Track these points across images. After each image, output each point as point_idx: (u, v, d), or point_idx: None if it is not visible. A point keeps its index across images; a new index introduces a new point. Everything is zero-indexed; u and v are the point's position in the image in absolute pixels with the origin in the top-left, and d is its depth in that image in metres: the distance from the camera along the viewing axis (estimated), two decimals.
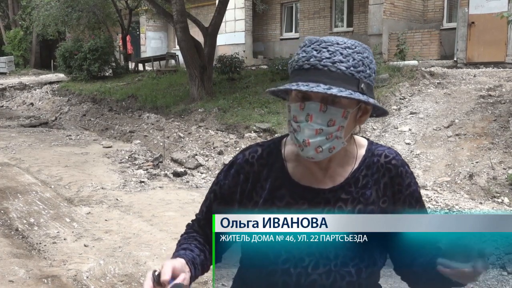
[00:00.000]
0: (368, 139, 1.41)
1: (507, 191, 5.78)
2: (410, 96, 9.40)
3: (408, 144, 7.60)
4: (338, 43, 1.21)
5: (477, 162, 6.51)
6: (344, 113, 1.21)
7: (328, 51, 1.19)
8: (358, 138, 1.40)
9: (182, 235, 1.47)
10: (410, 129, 8.03)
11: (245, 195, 1.36)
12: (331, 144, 1.22)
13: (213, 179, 5.83)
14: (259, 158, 1.37)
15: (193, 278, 1.29)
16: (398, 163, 1.34)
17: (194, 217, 1.51)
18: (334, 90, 1.16)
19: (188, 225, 1.50)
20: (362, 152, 1.36)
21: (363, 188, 1.31)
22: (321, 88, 1.16)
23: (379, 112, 1.34)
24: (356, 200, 1.30)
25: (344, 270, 1.25)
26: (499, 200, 5.65)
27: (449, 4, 15.41)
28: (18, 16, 25.56)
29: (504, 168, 6.15)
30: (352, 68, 1.19)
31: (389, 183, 1.32)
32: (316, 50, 1.20)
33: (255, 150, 1.39)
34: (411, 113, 8.60)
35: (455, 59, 12.59)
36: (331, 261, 1.26)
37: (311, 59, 1.20)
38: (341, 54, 1.19)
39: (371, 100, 1.21)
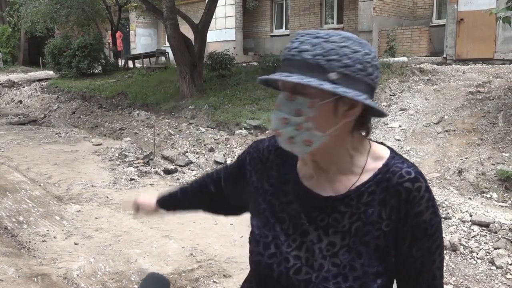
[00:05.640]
0: (392, 151, 1.27)
1: (495, 186, 5.83)
2: (400, 93, 9.44)
3: (398, 140, 7.64)
4: (309, 34, 1.15)
5: (466, 158, 6.56)
6: (311, 104, 1.12)
7: (299, 41, 1.15)
8: (378, 148, 1.26)
9: (199, 176, 1.77)
10: (400, 126, 8.07)
11: (258, 176, 1.38)
12: (303, 136, 1.14)
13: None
14: (278, 148, 1.32)
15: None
16: (413, 187, 1.17)
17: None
18: (293, 78, 1.10)
19: (216, 169, 1.68)
20: (377, 165, 1.22)
21: (366, 205, 1.20)
22: (282, 76, 1.12)
23: (375, 112, 1.20)
24: (356, 216, 1.20)
25: (323, 285, 1.18)
26: (488, 196, 5.70)
27: (439, 1, 15.51)
28: (6, 13, 25.26)
29: (492, 164, 6.20)
30: (318, 57, 1.11)
31: (396, 206, 1.18)
32: (292, 42, 1.17)
33: None
34: (401, 109, 8.64)
35: (444, 55, 12.67)
36: (314, 271, 1.20)
37: (286, 50, 1.17)
38: (310, 43, 1.13)
39: (340, 91, 1.09)
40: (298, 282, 1.21)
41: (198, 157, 8.28)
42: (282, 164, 1.34)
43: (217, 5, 13.49)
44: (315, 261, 1.21)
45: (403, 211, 1.17)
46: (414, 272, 1.22)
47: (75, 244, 4.69)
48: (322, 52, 1.12)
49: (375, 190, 1.20)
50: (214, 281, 3.97)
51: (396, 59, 11.61)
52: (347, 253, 1.19)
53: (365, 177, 1.22)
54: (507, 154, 6.36)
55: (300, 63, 1.12)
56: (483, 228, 4.77)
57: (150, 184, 6.97)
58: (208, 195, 1.63)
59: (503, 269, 4.17)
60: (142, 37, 25.06)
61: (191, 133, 9.47)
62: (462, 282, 4.05)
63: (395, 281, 1.28)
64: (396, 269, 1.23)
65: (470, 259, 4.40)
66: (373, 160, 1.24)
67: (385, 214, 1.18)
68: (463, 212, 5.11)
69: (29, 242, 4.75)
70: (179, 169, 7.80)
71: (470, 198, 5.66)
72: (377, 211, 1.19)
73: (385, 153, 1.25)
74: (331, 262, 1.19)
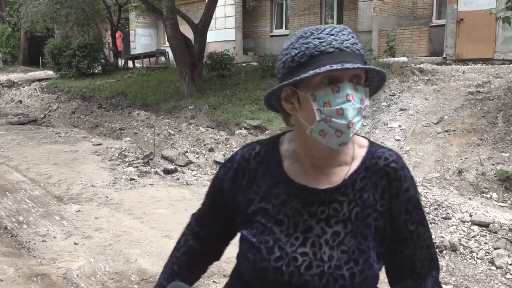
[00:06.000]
0: (369, 140, 1.38)
1: (495, 186, 5.83)
2: (399, 93, 9.44)
3: (398, 140, 7.64)
4: (346, 29, 1.25)
5: (466, 158, 6.56)
6: (366, 92, 1.23)
7: (343, 34, 1.22)
8: (358, 137, 1.35)
9: (175, 246, 1.56)
10: (399, 126, 8.07)
11: (241, 191, 1.36)
12: (360, 125, 1.21)
13: (204, 176, 5.93)
14: (256, 155, 1.37)
15: None
16: (398, 166, 1.30)
17: (188, 212, 1.60)
18: (370, 67, 1.22)
19: (187, 226, 1.56)
20: (362, 152, 1.33)
21: (361, 191, 1.28)
22: (355, 65, 1.18)
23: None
24: (353, 203, 1.27)
25: (337, 273, 1.22)
26: (488, 196, 5.71)
27: (438, 1, 15.52)
28: (6, 13, 25.26)
29: (492, 164, 6.20)
30: (361, 50, 1.24)
31: (387, 186, 1.29)
32: (332, 35, 1.21)
33: (253, 147, 1.40)
34: (401, 109, 8.64)
35: (444, 55, 12.68)
36: (325, 263, 1.23)
37: (333, 42, 1.19)
38: (353, 37, 1.23)
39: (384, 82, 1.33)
40: (311, 277, 1.23)
41: (198, 157, 8.28)
42: (266, 169, 1.35)
43: (217, 5, 13.49)
44: (323, 253, 1.24)
45: (393, 189, 1.28)
46: (412, 248, 1.30)
47: (75, 244, 4.68)
48: (360, 46, 1.24)
49: (365, 175, 1.29)
50: (214, 281, 3.97)
51: (396, 59, 11.61)
52: (352, 239, 1.25)
53: (355, 165, 1.31)
54: (507, 154, 6.36)
55: (357, 55, 1.21)
56: (483, 228, 4.77)
57: (150, 184, 6.97)
58: (197, 256, 1.53)
59: (503, 269, 4.17)
60: (142, 37, 25.06)
61: (191, 133, 9.47)
62: (462, 282, 4.05)
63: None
64: (392, 251, 1.30)
65: (470, 259, 4.40)
66: (358, 148, 1.33)
67: (378, 196, 1.28)
68: (463, 212, 5.11)
69: (29, 242, 4.74)
70: (179, 169, 7.80)
71: (470, 198, 5.66)
72: (371, 194, 1.28)
73: (364, 141, 1.36)
74: (340, 250, 1.25)
